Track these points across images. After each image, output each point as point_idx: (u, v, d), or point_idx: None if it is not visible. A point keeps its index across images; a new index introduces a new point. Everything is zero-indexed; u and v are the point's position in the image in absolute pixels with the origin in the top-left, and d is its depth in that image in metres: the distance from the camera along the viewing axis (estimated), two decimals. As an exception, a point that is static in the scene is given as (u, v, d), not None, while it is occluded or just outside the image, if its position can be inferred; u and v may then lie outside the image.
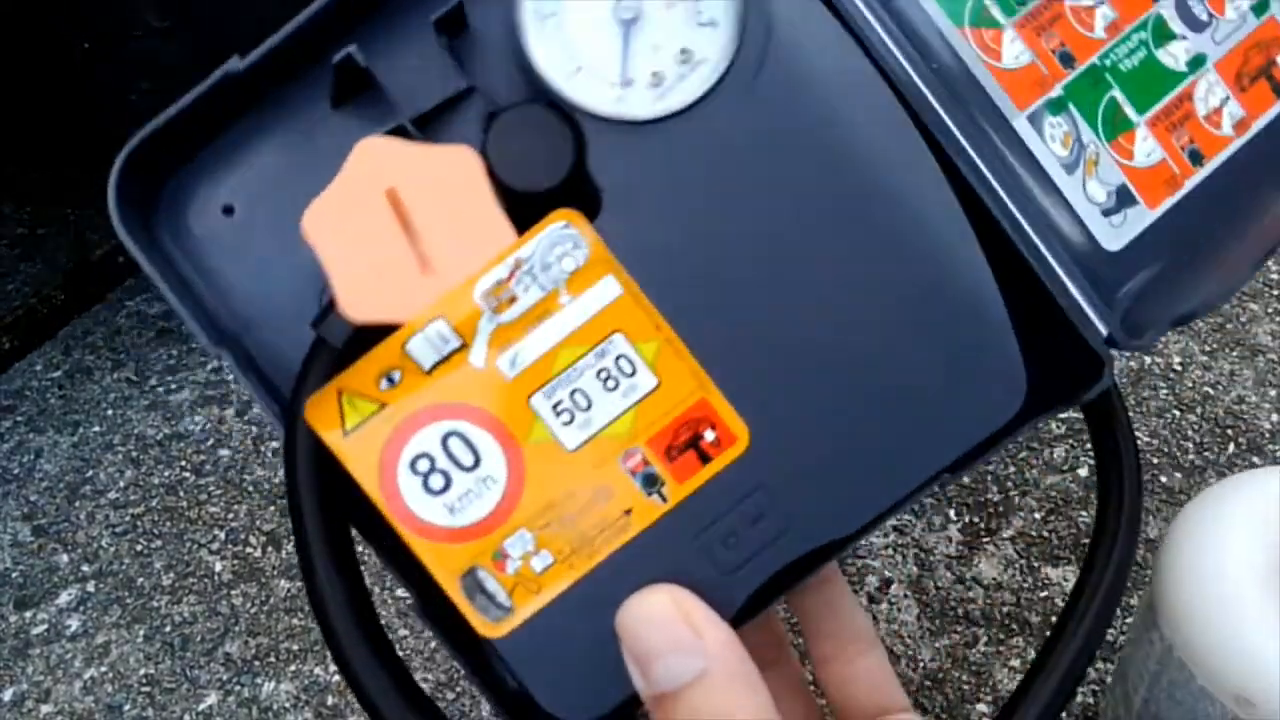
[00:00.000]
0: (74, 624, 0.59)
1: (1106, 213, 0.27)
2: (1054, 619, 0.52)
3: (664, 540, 0.24)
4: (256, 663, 0.56)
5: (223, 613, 0.59)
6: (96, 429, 0.70)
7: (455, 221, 0.24)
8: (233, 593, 0.59)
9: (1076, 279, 0.26)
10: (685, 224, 0.25)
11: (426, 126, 0.25)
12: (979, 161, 0.26)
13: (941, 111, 0.26)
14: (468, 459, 0.24)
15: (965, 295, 0.25)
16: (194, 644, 0.57)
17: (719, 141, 0.25)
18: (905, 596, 0.54)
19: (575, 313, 0.24)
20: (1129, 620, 0.51)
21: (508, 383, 0.24)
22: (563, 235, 0.24)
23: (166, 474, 0.66)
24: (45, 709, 0.56)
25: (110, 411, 0.71)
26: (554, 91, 0.25)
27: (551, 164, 0.24)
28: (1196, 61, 0.28)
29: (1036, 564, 0.55)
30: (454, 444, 0.24)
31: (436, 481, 0.24)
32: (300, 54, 0.25)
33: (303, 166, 0.25)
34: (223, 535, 0.62)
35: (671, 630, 0.23)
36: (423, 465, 0.24)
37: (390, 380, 0.24)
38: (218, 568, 0.61)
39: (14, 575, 0.62)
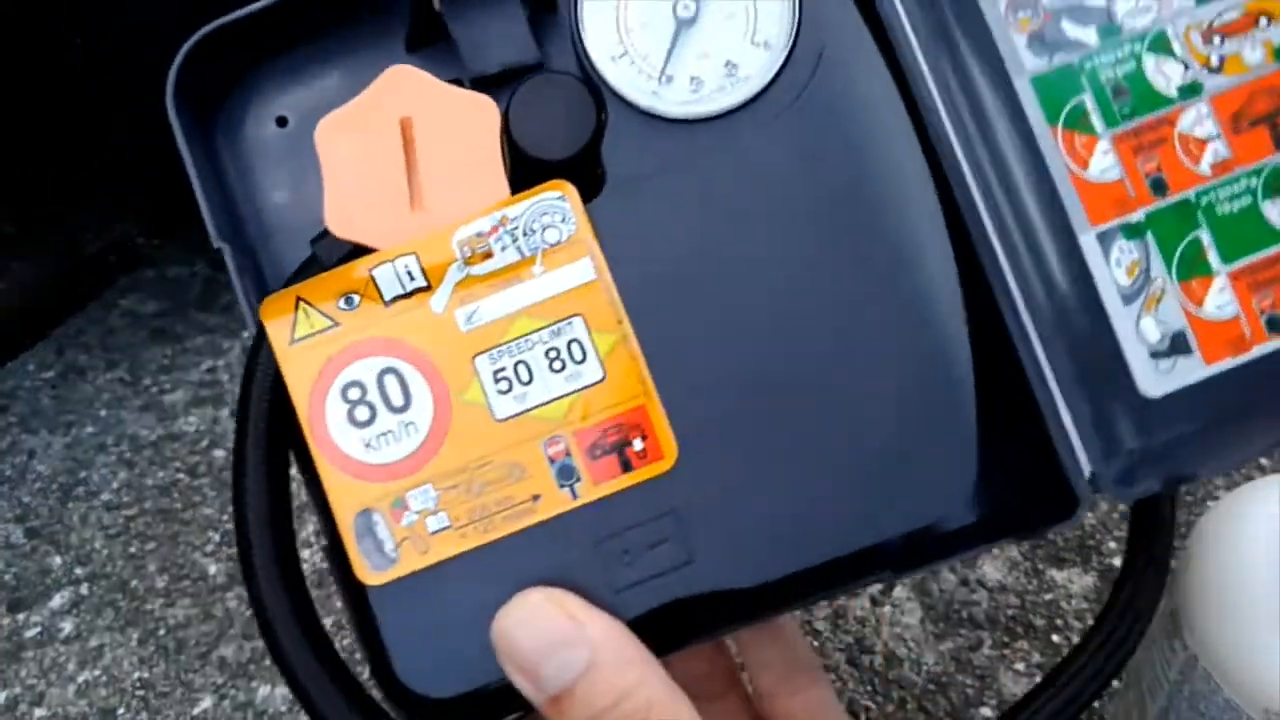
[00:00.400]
0: (67, 627, 0.59)
1: (1155, 355, 0.25)
2: (1059, 622, 0.52)
3: (563, 537, 0.24)
4: (252, 666, 0.56)
5: (217, 616, 0.58)
6: (90, 429, 0.69)
7: (456, 166, 0.24)
8: (227, 595, 0.59)
9: (1077, 409, 0.24)
10: (677, 230, 0.25)
11: (486, 89, 0.25)
12: (1002, 259, 0.24)
13: (978, 198, 0.24)
14: (398, 399, 0.24)
15: (939, 384, 0.25)
16: (188, 648, 0.57)
17: (736, 158, 0.25)
18: (908, 599, 0.54)
19: (544, 285, 0.24)
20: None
21: (459, 336, 0.24)
22: (553, 205, 0.24)
23: (160, 475, 0.66)
24: (39, 712, 0.55)
25: (103, 412, 0.70)
26: (593, 69, 0.25)
27: (568, 137, 0.24)
28: None
29: (1041, 566, 0.54)
30: (389, 381, 0.24)
31: (362, 413, 0.24)
32: None
33: None
34: (217, 537, 0.62)
35: (552, 626, 0.22)
36: (354, 394, 0.24)
37: (349, 302, 0.24)
38: (212, 570, 0.60)
39: (6, 577, 0.61)
